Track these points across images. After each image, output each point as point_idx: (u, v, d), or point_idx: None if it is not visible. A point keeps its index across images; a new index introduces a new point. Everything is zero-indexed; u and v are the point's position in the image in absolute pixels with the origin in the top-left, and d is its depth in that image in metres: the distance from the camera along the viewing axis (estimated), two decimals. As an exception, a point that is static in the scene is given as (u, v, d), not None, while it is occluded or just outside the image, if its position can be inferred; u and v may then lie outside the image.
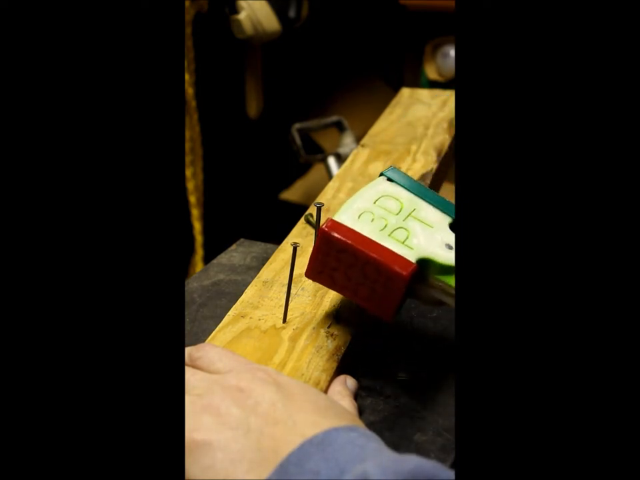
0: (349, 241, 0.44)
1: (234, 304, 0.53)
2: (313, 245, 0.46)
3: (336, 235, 0.44)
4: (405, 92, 0.97)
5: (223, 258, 0.68)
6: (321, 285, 0.54)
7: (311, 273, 0.47)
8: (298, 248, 0.49)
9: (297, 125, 1.24)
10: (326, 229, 0.45)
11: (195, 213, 1.14)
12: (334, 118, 1.29)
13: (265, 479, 0.35)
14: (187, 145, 1.10)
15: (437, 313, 0.59)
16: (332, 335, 0.49)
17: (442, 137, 0.82)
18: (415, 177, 0.72)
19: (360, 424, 0.42)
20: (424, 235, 0.46)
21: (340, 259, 0.44)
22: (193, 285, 0.63)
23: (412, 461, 0.34)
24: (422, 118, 0.87)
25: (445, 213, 0.48)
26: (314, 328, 0.50)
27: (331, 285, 0.47)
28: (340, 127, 1.29)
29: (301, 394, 0.40)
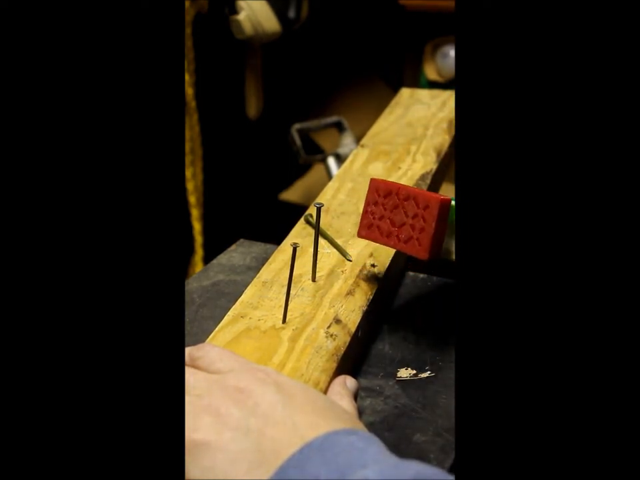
0: (392, 184, 0.53)
1: (233, 304, 0.53)
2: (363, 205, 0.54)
3: (382, 181, 0.53)
4: (405, 92, 0.97)
5: (223, 258, 0.68)
6: (320, 285, 0.54)
7: (362, 229, 0.54)
8: (298, 248, 0.49)
9: (297, 125, 1.24)
10: (375, 178, 0.54)
11: (195, 213, 1.14)
12: (334, 118, 1.29)
13: (264, 481, 0.35)
14: (187, 145, 1.10)
15: (437, 313, 0.59)
16: (331, 335, 0.49)
17: (442, 137, 0.82)
18: (415, 178, 0.72)
19: (360, 425, 0.42)
20: None
21: (385, 204, 0.52)
22: (192, 285, 0.63)
23: (413, 467, 0.34)
24: (422, 118, 0.87)
25: None
26: (313, 328, 0.50)
27: (378, 236, 0.53)
28: (340, 127, 1.28)
29: (300, 395, 0.40)
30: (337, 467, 0.34)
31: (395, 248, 0.53)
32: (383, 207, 0.53)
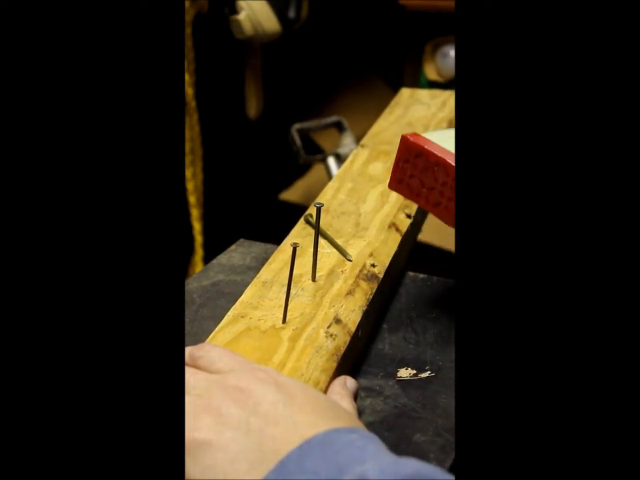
0: (424, 145, 0.51)
1: (233, 304, 0.53)
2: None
3: (413, 140, 0.52)
4: (405, 92, 0.97)
5: (223, 258, 0.68)
6: (321, 285, 0.55)
7: (392, 182, 0.54)
8: (298, 248, 0.49)
9: (297, 126, 1.24)
10: (406, 136, 0.53)
11: (195, 213, 1.14)
12: (334, 118, 1.29)
13: (264, 478, 0.35)
14: (187, 145, 1.10)
15: (437, 313, 0.59)
16: (331, 335, 0.49)
17: (442, 137, 0.81)
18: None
19: (360, 425, 0.42)
20: None
21: (416, 164, 0.52)
22: (192, 285, 0.63)
23: (411, 464, 0.34)
24: (422, 118, 0.87)
25: None
26: (313, 328, 0.50)
27: (408, 193, 0.53)
28: (340, 127, 1.29)
29: (301, 394, 0.40)
30: (336, 463, 0.34)
31: (424, 208, 0.53)
32: (414, 167, 0.52)
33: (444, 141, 0.52)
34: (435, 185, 0.51)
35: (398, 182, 0.54)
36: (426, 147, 0.51)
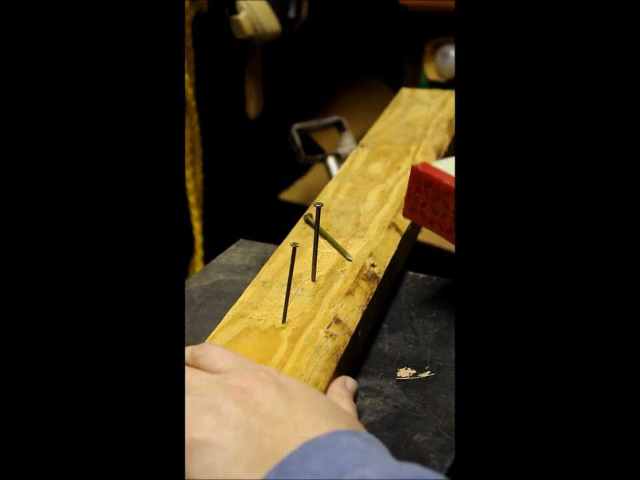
0: (433, 174, 0.53)
1: (233, 304, 0.53)
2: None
3: (423, 170, 0.54)
4: (405, 92, 0.97)
5: (223, 258, 0.68)
6: (320, 285, 0.55)
7: (406, 211, 0.56)
8: (297, 248, 0.49)
9: (297, 126, 1.24)
10: (417, 166, 0.54)
11: (195, 213, 1.14)
12: (333, 118, 1.29)
13: (264, 477, 0.35)
14: (187, 146, 1.10)
15: (437, 313, 0.59)
16: (331, 335, 0.49)
17: (442, 137, 0.82)
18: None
19: (360, 426, 0.42)
20: None
21: (427, 193, 0.53)
22: (192, 285, 0.63)
23: (412, 469, 0.34)
24: (421, 118, 0.87)
25: None
26: (313, 328, 0.50)
27: (422, 220, 0.55)
28: (339, 127, 1.29)
29: (302, 395, 0.40)
30: (336, 465, 0.34)
31: (438, 234, 0.54)
32: (425, 195, 0.53)
33: (453, 168, 0.52)
34: (447, 212, 0.52)
35: (411, 211, 0.55)
36: (436, 176, 0.52)
